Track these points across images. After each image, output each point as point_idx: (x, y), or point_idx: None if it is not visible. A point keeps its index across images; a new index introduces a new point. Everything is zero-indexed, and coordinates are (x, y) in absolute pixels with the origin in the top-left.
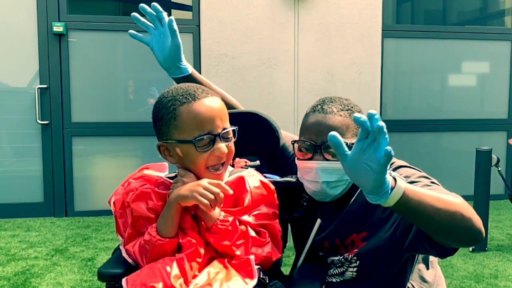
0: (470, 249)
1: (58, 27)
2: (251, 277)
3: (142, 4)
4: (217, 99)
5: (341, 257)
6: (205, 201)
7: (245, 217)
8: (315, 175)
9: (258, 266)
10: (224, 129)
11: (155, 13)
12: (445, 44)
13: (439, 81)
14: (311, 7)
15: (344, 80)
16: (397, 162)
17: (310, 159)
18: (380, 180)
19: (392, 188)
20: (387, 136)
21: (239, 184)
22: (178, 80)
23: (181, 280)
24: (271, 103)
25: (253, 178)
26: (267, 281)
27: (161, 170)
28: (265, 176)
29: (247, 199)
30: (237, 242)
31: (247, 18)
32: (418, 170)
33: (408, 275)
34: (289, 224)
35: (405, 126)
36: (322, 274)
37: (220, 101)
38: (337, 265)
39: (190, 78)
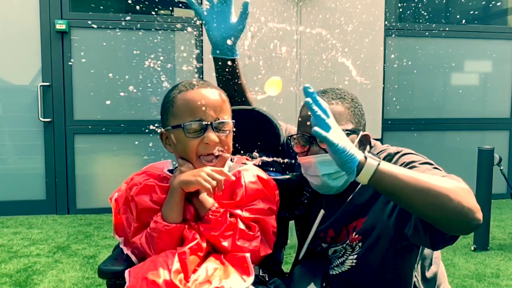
0: (472, 248)
1: (60, 25)
2: (248, 274)
3: None
4: (217, 92)
5: (345, 244)
6: (208, 186)
7: (238, 211)
8: (315, 169)
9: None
10: (217, 119)
11: None
12: (447, 43)
13: (442, 80)
14: (313, 5)
15: (346, 79)
16: (404, 150)
17: (308, 151)
18: (339, 158)
19: (361, 166)
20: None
21: (236, 179)
22: (221, 62)
23: (181, 275)
24: (273, 102)
25: (249, 173)
26: (267, 279)
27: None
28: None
29: (240, 194)
30: (225, 234)
31: (249, 17)
32: (423, 157)
33: (412, 267)
34: (290, 221)
35: (408, 125)
36: (322, 271)
37: (220, 94)
38: (339, 255)
39: (235, 63)
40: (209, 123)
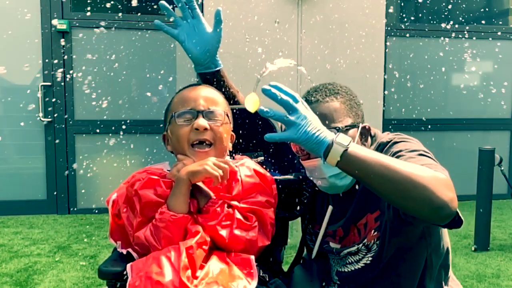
0: (473, 248)
1: (61, 25)
2: (251, 277)
3: None
4: (213, 91)
5: (361, 244)
6: (216, 173)
7: (235, 202)
8: (320, 171)
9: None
10: (208, 109)
11: (186, 3)
12: (448, 43)
13: (443, 80)
14: (314, 5)
15: (347, 79)
16: (396, 138)
17: (308, 153)
18: (306, 146)
19: (327, 150)
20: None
21: (232, 173)
22: (207, 76)
23: (189, 271)
24: (271, 102)
25: (245, 167)
26: (267, 279)
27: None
28: None
29: (236, 189)
30: (223, 223)
31: (250, 16)
32: (414, 144)
33: (424, 257)
34: (290, 221)
35: (408, 125)
36: (323, 272)
37: (215, 92)
38: (352, 253)
39: (220, 73)
40: (200, 111)
